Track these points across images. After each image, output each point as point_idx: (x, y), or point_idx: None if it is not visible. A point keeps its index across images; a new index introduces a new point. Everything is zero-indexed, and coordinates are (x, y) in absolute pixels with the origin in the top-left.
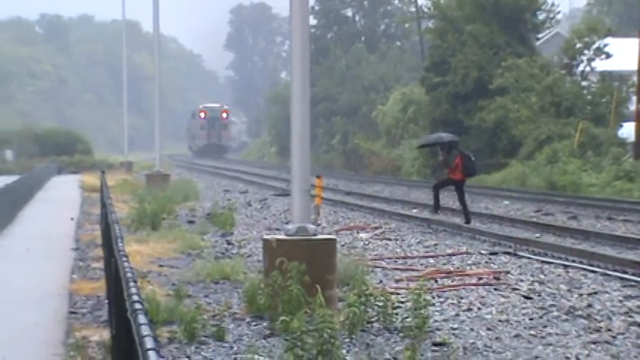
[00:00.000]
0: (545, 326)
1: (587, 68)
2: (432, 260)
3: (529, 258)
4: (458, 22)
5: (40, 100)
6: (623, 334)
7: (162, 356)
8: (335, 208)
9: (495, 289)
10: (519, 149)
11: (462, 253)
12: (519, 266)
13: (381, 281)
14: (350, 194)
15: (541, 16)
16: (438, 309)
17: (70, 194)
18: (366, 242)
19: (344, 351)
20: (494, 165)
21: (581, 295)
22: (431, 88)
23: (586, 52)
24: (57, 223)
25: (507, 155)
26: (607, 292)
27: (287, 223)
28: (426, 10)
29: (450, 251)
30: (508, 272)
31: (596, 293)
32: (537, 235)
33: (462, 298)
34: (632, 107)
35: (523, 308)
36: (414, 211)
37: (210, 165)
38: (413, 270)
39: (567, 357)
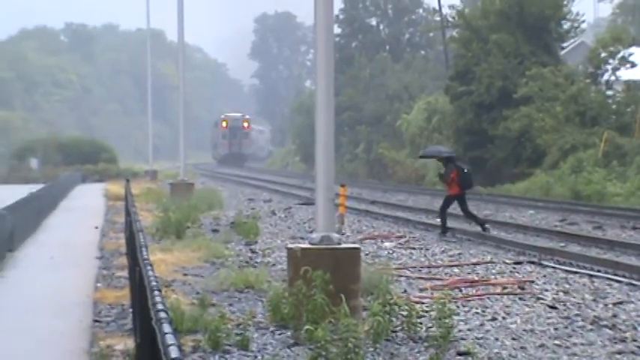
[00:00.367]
0: (570, 336)
1: (612, 77)
2: (456, 269)
3: (554, 267)
4: (482, 31)
5: (64, 109)
6: None
7: None
8: (359, 217)
9: (520, 299)
10: (544, 159)
11: (486, 263)
12: (544, 276)
13: (405, 290)
14: (374, 203)
15: (566, 26)
16: (463, 318)
17: (95, 203)
18: (390, 251)
19: None
20: (519, 174)
21: (606, 305)
22: (455, 98)
23: (611, 61)
24: (81, 232)
25: (532, 165)
26: (632, 302)
27: (311, 231)
28: (450, 19)
29: (474, 260)
30: (533, 282)
31: (621, 303)
32: (562, 244)
33: (486, 307)
34: None
35: (548, 318)
36: (438, 220)
37: (235, 174)
38: (437, 279)
39: None
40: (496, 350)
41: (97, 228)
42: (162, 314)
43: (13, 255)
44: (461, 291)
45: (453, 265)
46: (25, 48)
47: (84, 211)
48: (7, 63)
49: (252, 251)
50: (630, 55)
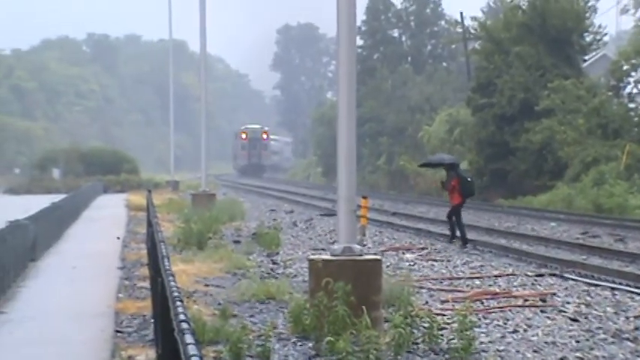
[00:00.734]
0: (592, 349)
1: (635, 90)
2: (477, 281)
3: (575, 280)
4: (504, 43)
5: (86, 120)
6: None
7: None
8: (380, 229)
9: (542, 311)
10: (565, 171)
11: (508, 275)
12: (566, 288)
13: (426, 302)
14: (395, 215)
15: (588, 38)
16: (484, 330)
17: (116, 213)
18: (412, 263)
19: None
20: (541, 187)
21: (627, 317)
22: (477, 110)
23: (633, 73)
24: (103, 242)
25: (554, 177)
26: None
27: (333, 243)
28: (472, 31)
29: (496, 272)
30: (554, 294)
31: None
32: (584, 257)
33: (508, 319)
34: None
35: (569, 330)
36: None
37: (256, 185)
38: (459, 291)
39: None
40: None
41: (118, 238)
42: (185, 325)
43: (35, 264)
44: (482, 303)
45: (474, 277)
46: (48, 58)
47: (106, 222)
48: (29, 73)
49: (274, 262)
50: None
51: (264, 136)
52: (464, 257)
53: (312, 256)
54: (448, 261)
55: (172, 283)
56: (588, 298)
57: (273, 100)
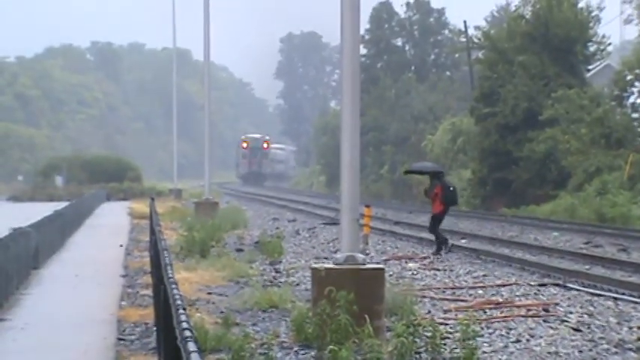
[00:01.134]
0: (595, 359)
1: (638, 100)
2: (480, 291)
3: (578, 290)
4: (508, 52)
5: (90, 127)
6: None
7: None
8: (383, 238)
9: (544, 321)
10: (569, 180)
11: (510, 284)
12: (568, 298)
13: (429, 311)
14: (398, 224)
15: (592, 48)
16: (487, 340)
17: (119, 221)
18: (415, 272)
19: None
20: (544, 196)
21: (630, 328)
22: (480, 119)
23: (637, 83)
24: (106, 250)
25: (557, 186)
26: None
27: (335, 252)
28: (476, 40)
29: (498, 282)
30: (557, 304)
31: None
32: (587, 267)
33: (510, 329)
34: None
35: (572, 340)
36: (463, 241)
37: (259, 193)
38: (461, 300)
39: None
40: None
41: (121, 246)
42: (187, 333)
43: (38, 272)
44: (485, 312)
45: (477, 287)
46: (51, 66)
47: (109, 229)
48: (33, 81)
49: (277, 271)
50: None
51: (265, 145)
52: (466, 267)
53: (314, 265)
54: (451, 270)
55: (175, 291)
56: (591, 308)
57: (277, 108)
